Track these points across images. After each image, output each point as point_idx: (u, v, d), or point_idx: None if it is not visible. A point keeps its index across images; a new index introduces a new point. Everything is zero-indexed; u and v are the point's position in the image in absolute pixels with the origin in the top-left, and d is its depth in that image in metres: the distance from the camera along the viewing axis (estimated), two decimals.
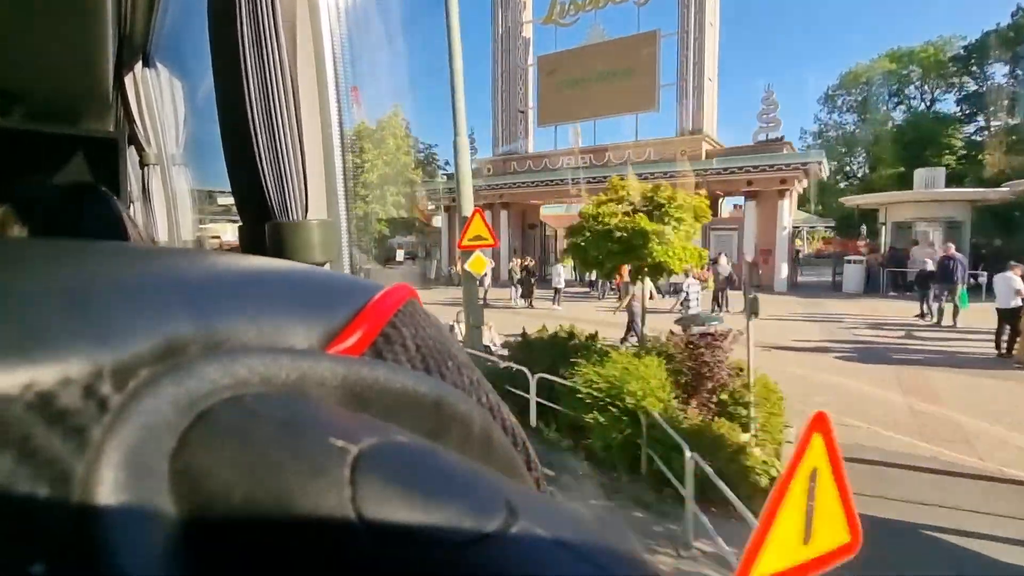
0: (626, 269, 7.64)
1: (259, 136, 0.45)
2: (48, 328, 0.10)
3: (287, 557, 0.09)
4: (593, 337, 7.01)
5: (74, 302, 0.11)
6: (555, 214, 26.28)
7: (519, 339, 7.76)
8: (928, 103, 36.18)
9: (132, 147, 1.74)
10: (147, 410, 0.10)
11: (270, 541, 0.09)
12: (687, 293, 10.35)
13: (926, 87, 36.18)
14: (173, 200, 1.77)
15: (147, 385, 0.10)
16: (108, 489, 0.09)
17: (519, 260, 17.38)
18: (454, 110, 7.32)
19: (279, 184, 0.46)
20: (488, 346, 8.36)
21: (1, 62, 1.40)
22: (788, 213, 18.16)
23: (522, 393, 5.84)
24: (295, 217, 0.46)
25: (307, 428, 0.11)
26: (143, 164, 1.74)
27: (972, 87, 33.01)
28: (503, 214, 22.67)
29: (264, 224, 0.54)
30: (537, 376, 5.82)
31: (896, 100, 37.19)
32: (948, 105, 34.69)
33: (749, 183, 17.97)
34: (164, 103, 1.65)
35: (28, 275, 0.11)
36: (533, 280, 16.35)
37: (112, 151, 1.77)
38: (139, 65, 1.51)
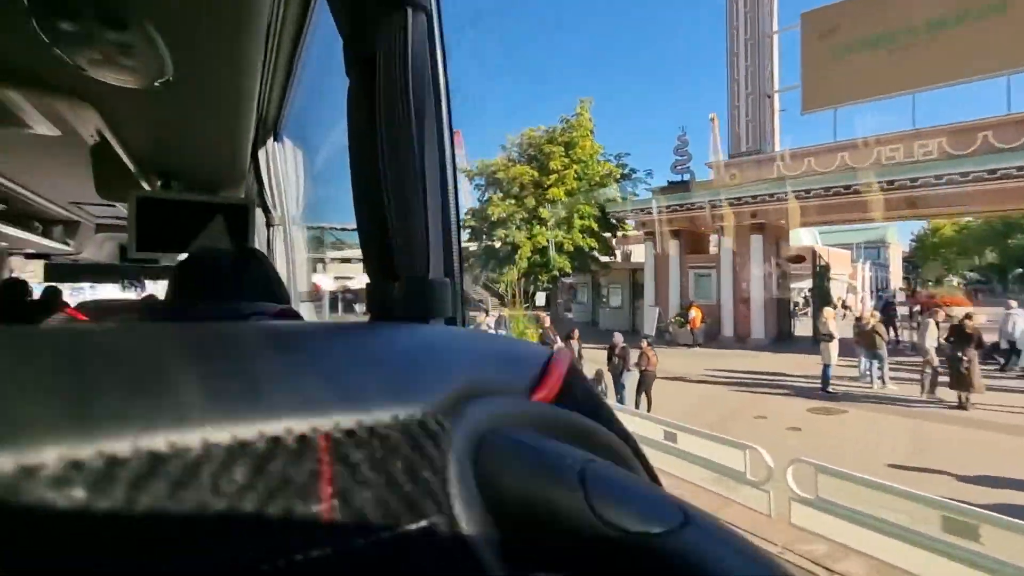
0: None
1: (391, 201, 0.51)
2: (399, 382, 0.15)
3: (551, 530, 0.14)
4: None
5: (414, 365, 0.15)
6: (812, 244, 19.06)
7: None
8: None
9: (260, 210, 2.00)
10: (458, 435, 0.15)
11: (541, 521, 0.14)
12: None
13: None
14: (292, 255, 1.98)
15: (455, 419, 0.15)
16: (455, 472, 0.14)
17: (866, 313, 10.39)
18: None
19: (408, 245, 0.51)
20: None
21: (165, 148, 1.68)
22: None
23: None
24: (419, 274, 0.51)
25: (546, 450, 0.15)
26: (269, 224, 1.98)
27: None
28: (754, 241, 15.12)
29: (385, 281, 0.59)
30: None
31: None
32: None
33: None
34: (288, 172, 1.88)
35: (393, 343, 0.17)
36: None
37: (244, 214, 2.04)
38: (270, 141, 1.74)
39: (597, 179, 20.86)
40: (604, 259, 20.96)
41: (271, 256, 1.98)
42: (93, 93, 1.22)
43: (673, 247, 17.03)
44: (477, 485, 0.14)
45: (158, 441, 0.12)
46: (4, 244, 3.63)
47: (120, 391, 0.13)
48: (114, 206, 2.71)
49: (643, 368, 7.90)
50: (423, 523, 0.13)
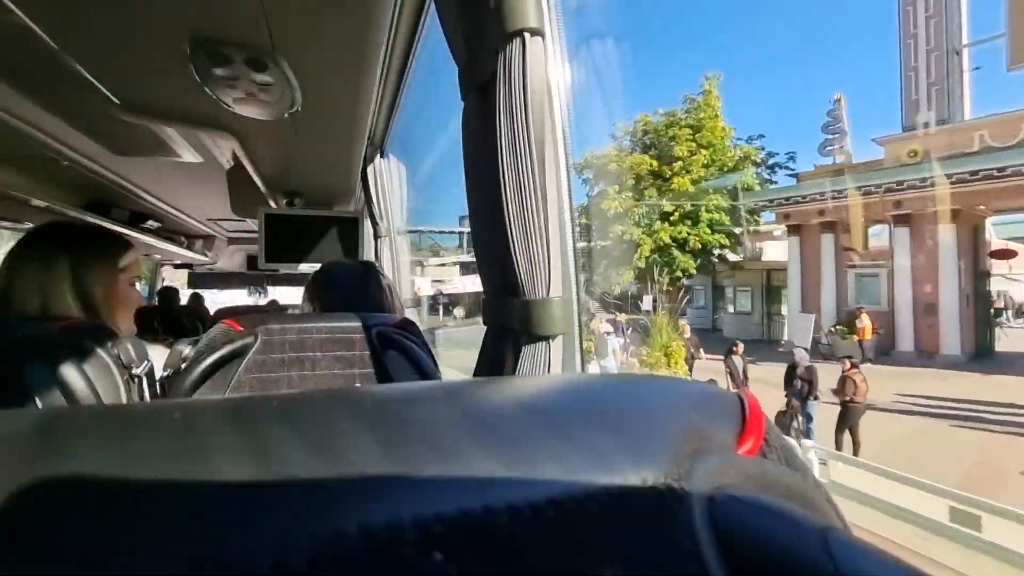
0: None
1: (513, 223, 0.53)
2: (635, 441, 0.16)
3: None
4: None
5: (639, 420, 0.17)
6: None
7: None
8: None
9: (368, 222, 2.15)
10: (694, 496, 0.15)
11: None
12: None
13: None
14: (397, 264, 2.10)
15: (687, 479, 0.15)
16: (702, 536, 0.14)
17: None
18: None
19: (528, 265, 0.52)
20: None
21: (290, 169, 1.86)
22: None
23: None
24: (541, 294, 0.53)
25: (782, 514, 0.15)
26: (376, 235, 2.12)
27: None
28: (942, 232, 12.02)
29: (505, 297, 0.61)
30: None
31: None
32: None
33: None
34: (392, 185, 2.00)
35: (611, 396, 0.19)
36: None
37: (355, 226, 2.21)
38: (377, 157, 1.87)
39: (730, 165, 17.62)
40: (733, 257, 17.72)
41: (379, 264, 2.12)
42: (232, 124, 1.38)
43: (826, 242, 13.97)
44: (718, 550, 0.14)
45: (448, 505, 0.13)
46: (158, 256, 4.22)
47: (423, 455, 0.14)
48: (243, 221, 3.05)
49: (848, 398, 6.01)
50: None
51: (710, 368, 9.23)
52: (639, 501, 0.14)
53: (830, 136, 14.66)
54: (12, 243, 0.95)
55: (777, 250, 17.15)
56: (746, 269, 17.44)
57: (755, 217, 17.63)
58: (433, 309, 19.78)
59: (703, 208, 16.92)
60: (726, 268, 17.57)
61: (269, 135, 1.43)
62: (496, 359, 0.63)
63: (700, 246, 16.94)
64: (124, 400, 0.72)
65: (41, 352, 0.70)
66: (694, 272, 17.32)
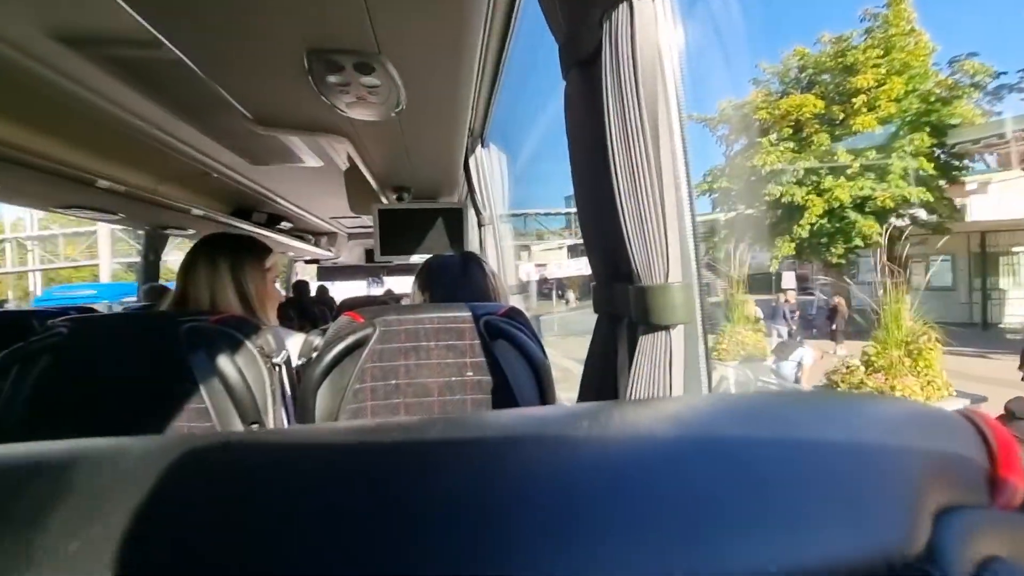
0: None
1: (625, 208, 0.49)
2: (849, 506, 0.12)
3: None
4: None
5: (854, 472, 0.13)
6: None
7: None
8: None
9: (472, 211, 2.20)
10: (944, 566, 0.11)
11: None
12: None
13: None
14: (501, 251, 2.13)
15: (936, 547, 0.11)
16: None
17: None
18: None
19: (644, 249, 0.49)
20: None
21: (398, 166, 1.96)
22: None
23: None
24: (658, 280, 0.49)
25: None
26: (480, 224, 2.16)
27: None
28: None
29: (618, 284, 0.58)
30: None
31: None
32: None
33: None
34: (494, 174, 2.03)
35: (817, 437, 0.14)
36: None
37: (460, 216, 2.28)
38: (478, 148, 1.89)
39: (938, 94, 12.62)
40: (925, 218, 12.92)
41: (483, 253, 2.16)
42: (345, 127, 1.47)
43: None
44: None
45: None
46: (292, 253, 4.72)
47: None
48: (359, 217, 3.29)
49: None
50: None
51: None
52: None
53: None
54: (177, 248, 1.14)
55: (985, 207, 12.70)
56: (946, 232, 12.64)
57: (960, 165, 13.10)
58: (543, 294, 19.63)
59: (896, 154, 12.46)
60: (924, 231, 12.76)
61: (378, 135, 1.51)
62: (609, 350, 0.60)
63: (891, 205, 12.50)
64: (267, 384, 0.80)
65: (201, 343, 0.80)
66: (879, 240, 12.46)
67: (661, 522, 0.11)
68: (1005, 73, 13.01)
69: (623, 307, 0.54)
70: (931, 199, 12.52)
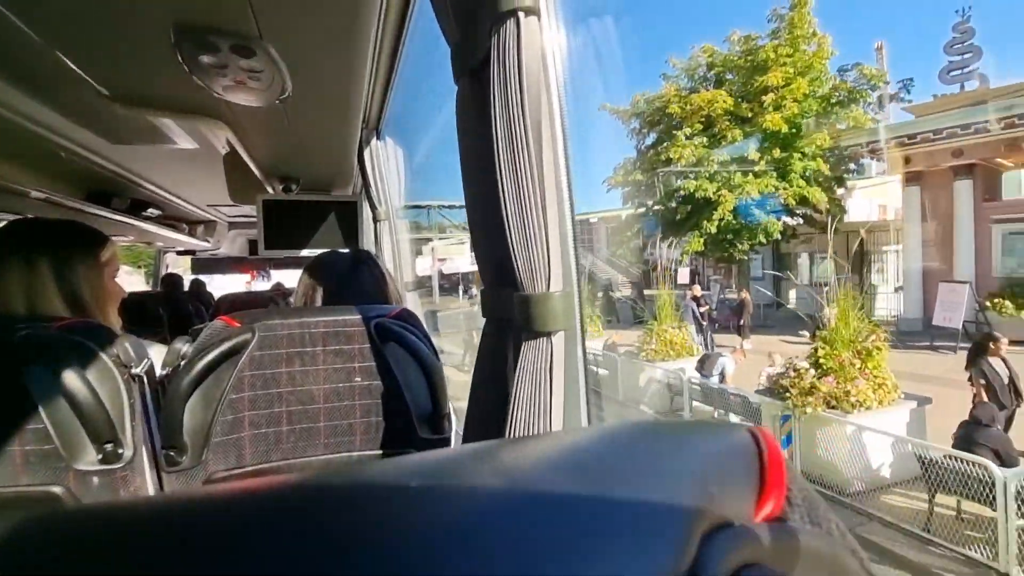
0: None
1: (510, 217, 0.51)
2: (639, 529, 0.14)
3: None
4: None
5: (643, 498, 0.14)
6: None
7: None
8: None
9: (367, 205, 2.12)
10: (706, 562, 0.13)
11: None
12: None
13: None
14: (398, 246, 2.09)
15: (700, 565, 0.13)
16: None
17: None
18: None
19: (527, 258, 0.51)
20: None
21: (285, 155, 1.83)
22: None
23: None
24: (540, 288, 0.51)
25: None
26: (375, 219, 2.09)
27: None
28: None
29: (503, 290, 0.60)
30: None
31: None
32: None
33: None
34: (390, 167, 1.97)
35: (611, 468, 0.16)
36: None
37: (354, 209, 2.19)
38: (374, 140, 1.83)
39: (838, 97, 13.40)
40: (817, 218, 13.57)
41: (379, 248, 2.10)
42: (223, 112, 1.35)
43: (962, 191, 10.67)
44: None
45: None
46: (160, 244, 4.22)
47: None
48: (243, 206, 3.03)
49: None
50: None
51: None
52: None
53: (958, 57, 11.51)
54: None
55: (859, 208, 14.34)
56: (836, 231, 13.01)
57: (847, 167, 14.14)
58: (445, 289, 19.24)
59: (797, 154, 13.09)
60: (812, 231, 13.80)
61: (261, 122, 1.40)
62: (496, 353, 0.62)
63: (794, 203, 13.27)
64: (125, 401, 0.72)
65: (41, 353, 0.69)
66: (779, 237, 13.81)
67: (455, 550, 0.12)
68: (906, 80, 14.48)
69: (509, 312, 0.55)
70: (826, 199, 13.39)
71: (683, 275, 13.60)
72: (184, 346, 0.75)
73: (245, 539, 0.13)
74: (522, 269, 0.51)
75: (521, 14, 0.50)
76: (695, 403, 6.76)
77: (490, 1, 0.51)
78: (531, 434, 0.50)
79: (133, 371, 0.75)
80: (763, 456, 0.17)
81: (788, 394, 5.17)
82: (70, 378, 0.70)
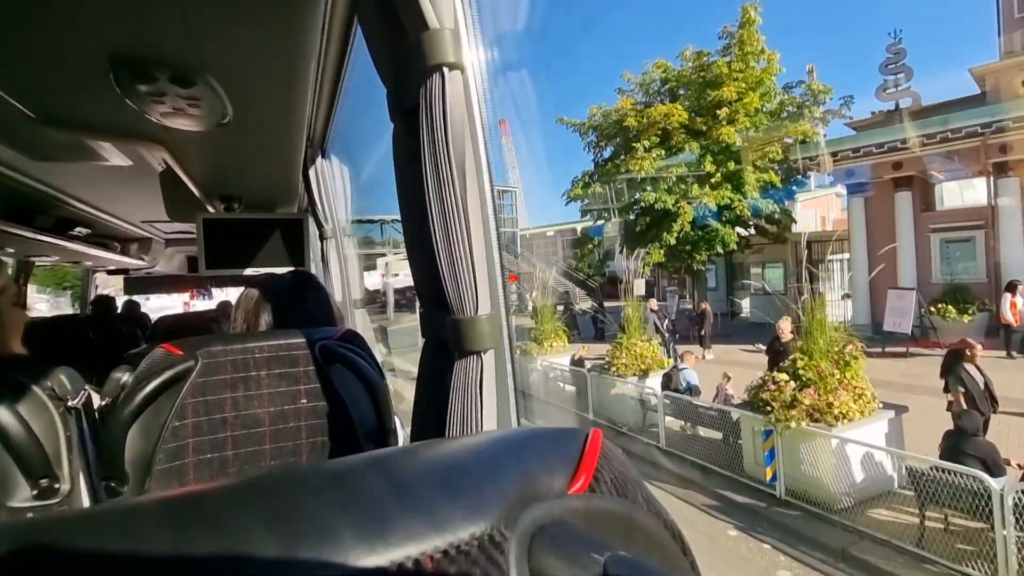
0: None
1: (440, 248, 0.56)
2: (472, 503, 0.20)
3: None
4: None
5: (479, 483, 0.21)
6: None
7: None
8: None
9: (313, 223, 2.11)
10: (515, 541, 0.19)
11: None
12: None
13: None
14: (344, 263, 2.09)
15: (512, 528, 0.19)
16: (515, 570, 0.18)
17: None
18: None
19: (456, 285, 0.56)
20: None
21: (225, 174, 1.81)
22: None
23: None
24: (469, 313, 0.56)
25: (580, 543, 0.19)
26: (322, 237, 2.09)
27: None
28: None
29: (438, 313, 0.65)
30: None
31: None
32: None
33: None
34: (336, 187, 1.98)
35: (459, 462, 0.23)
36: None
37: (300, 227, 2.17)
38: (319, 159, 1.84)
39: (787, 112, 14.07)
40: (769, 228, 14.41)
41: (326, 266, 2.09)
42: (160, 134, 1.33)
43: (902, 202, 11.54)
44: (528, 565, 0.18)
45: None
46: (89, 263, 3.98)
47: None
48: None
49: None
50: None
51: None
52: (467, 553, 0.18)
53: (891, 76, 12.17)
54: None
55: (803, 219, 15.13)
56: (786, 241, 14.53)
57: (795, 178, 14.80)
58: (401, 305, 18.54)
59: (750, 167, 13.51)
60: (766, 241, 14.57)
61: (201, 143, 1.39)
62: (435, 371, 0.67)
63: (748, 214, 13.80)
64: (62, 435, 0.71)
65: None
66: (735, 248, 14.23)
67: (344, 538, 0.18)
68: (847, 97, 14.45)
69: (445, 333, 0.61)
70: (777, 210, 14.10)
71: (639, 286, 13.34)
72: (124, 375, 0.76)
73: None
74: (452, 295, 0.57)
75: (446, 69, 0.56)
76: (668, 418, 6.41)
77: (418, 56, 0.57)
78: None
79: (70, 403, 0.74)
80: (584, 449, 0.24)
81: (769, 407, 4.90)
82: (1, 414, 0.69)
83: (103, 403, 0.80)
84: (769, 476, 4.93)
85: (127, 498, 0.73)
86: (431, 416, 0.67)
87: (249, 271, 2.12)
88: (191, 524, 0.18)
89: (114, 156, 1.66)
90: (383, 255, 19.21)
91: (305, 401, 0.77)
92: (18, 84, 1.02)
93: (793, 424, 4.71)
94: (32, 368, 0.73)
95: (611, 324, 10.01)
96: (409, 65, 0.60)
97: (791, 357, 5.22)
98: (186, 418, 0.72)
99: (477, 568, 0.17)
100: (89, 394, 0.78)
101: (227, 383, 0.74)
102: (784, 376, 5.02)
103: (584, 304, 16.53)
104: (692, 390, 6.74)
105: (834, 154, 12.36)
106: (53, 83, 1.01)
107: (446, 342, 0.62)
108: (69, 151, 1.56)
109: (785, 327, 6.41)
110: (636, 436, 6.78)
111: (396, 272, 19.28)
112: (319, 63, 1.11)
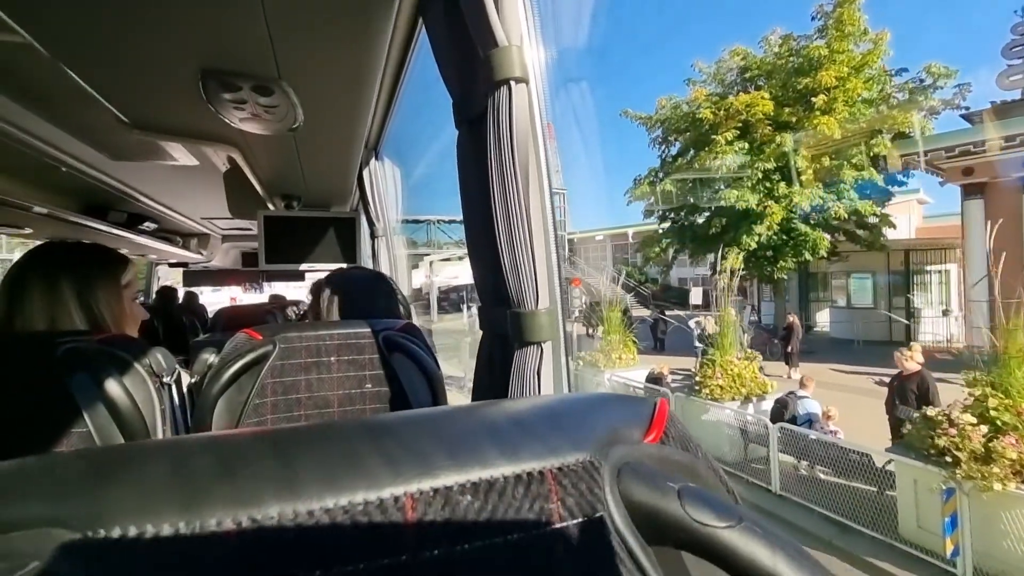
0: None
1: (503, 247, 0.61)
2: (577, 438, 0.25)
3: (663, 523, 0.23)
4: None
5: (582, 424, 0.27)
6: None
7: None
8: None
9: (365, 222, 2.22)
10: (607, 468, 0.24)
11: (658, 517, 0.23)
12: None
13: None
14: (394, 261, 2.18)
15: (605, 459, 0.24)
16: (608, 490, 0.23)
17: None
18: None
19: (518, 282, 0.61)
20: None
21: (288, 175, 1.92)
22: None
23: None
24: (529, 307, 0.61)
25: (658, 476, 0.25)
26: (373, 235, 2.19)
27: None
28: None
29: (498, 307, 0.70)
30: None
31: None
32: None
33: None
34: (388, 186, 2.07)
35: (568, 410, 0.30)
36: None
37: (352, 225, 2.28)
38: (373, 160, 1.93)
39: (896, 98, 11.98)
40: (861, 234, 12.44)
41: (376, 263, 2.19)
42: (233, 138, 1.44)
43: None
44: (620, 497, 0.23)
45: (448, 479, 0.22)
46: (154, 257, 4.26)
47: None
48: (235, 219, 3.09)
49: None
50: (596, 515, 0.22)
51: None
52: (575, 472, 0.23)
53: (1018, 60, 9.84)
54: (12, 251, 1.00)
55: (900, 227, 12.90)
56: (882, 248, 12.48)
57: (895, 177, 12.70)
58: (443, 309, 18.36)
59: (845, 163, 11.67)
60: (856, 247, 12.67)
61: (270, 147, 1.49)
62: (492, 361, 0.72)
63: (845, 216, 11.86)
64: (157, 406, 0.80)
65: (84, 364, 0.78)
66: (825, 254, 12.31)
67: (484, 448, 0.23)
68: (963, 84, 11.84)
69: (503, 326, 0.65)
70: (875, 212, 12.18)
71: (696, 295, 12.21)
72: (211, 356, 0.84)
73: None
74: (514, 289, 0.62)
75: (512, 83, 0.61)
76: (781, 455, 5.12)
77: (487, 69, 0.62)
78: None
79: (164, 380, 0.83)
80: (654, 413, 0.29)
81: (949, 457, 3.71)
82: (109, 385, 0.78)
83: (192, 380, 0.89)
84: (950, 550, 3.71)
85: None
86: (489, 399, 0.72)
87: (304, 267, 2.24)
88: (292, 448, 0.23)
89: (184, 156, 1.79)
90: (427, 255, 19.40)
91: (370, 386, 0.84)
92: (117, 91, 1.14)
93: (997, 485, 3.49)
94: (134, 347, 0.82)
95: (671, 334, 8.82)
96: (477, 78, 0.65)
97: (975, 394, 3.91)
98: (265, 397, 0.80)
99: (583, 483, 0.23)
100: (180, 372, 0.87)
101: (301, 367, 0.81)
102: (970, 418, 3.78)
103: (644, 312, 15.07)
104: (812, 422, 5.58)
105: (947, 149, 10.09)
106: (147, 91, 1.11)
107: (505, 335, 0.67)
108: (145, 152, 1.70)
109: (914, 355, 4.97)
110: (736, 473, 5.56)
111: (438, 273, 19.36)
112: (382, 71, 1.19)
